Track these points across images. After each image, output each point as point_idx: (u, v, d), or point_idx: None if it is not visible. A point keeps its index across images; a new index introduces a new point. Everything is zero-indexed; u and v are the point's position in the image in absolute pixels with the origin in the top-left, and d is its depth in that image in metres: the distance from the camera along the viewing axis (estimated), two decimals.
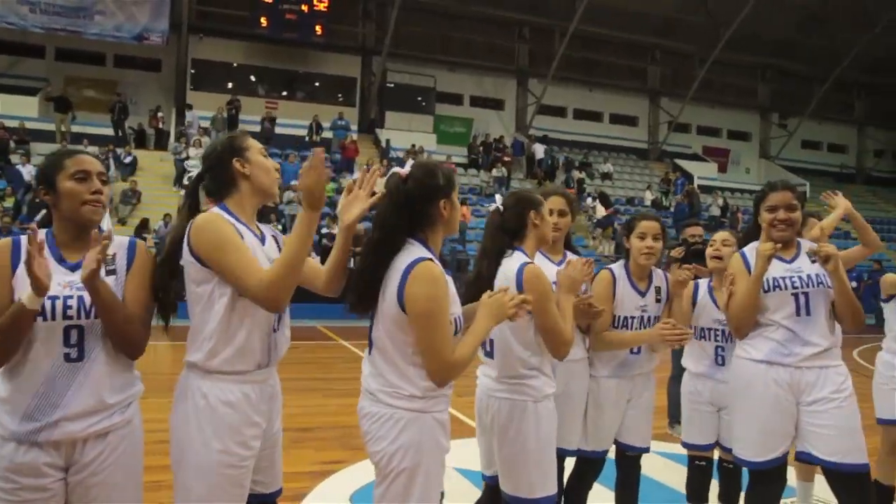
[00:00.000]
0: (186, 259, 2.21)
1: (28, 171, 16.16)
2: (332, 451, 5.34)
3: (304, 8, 21.71)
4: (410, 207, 2.27)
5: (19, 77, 20.96)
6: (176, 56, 22.22)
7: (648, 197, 24.06)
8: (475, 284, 2.65)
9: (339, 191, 19.50)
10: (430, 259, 2.22)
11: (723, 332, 3.36)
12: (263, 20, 21.53)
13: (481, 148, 23.80)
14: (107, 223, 10.87)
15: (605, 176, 25.45)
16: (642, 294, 3.32)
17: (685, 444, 3.55)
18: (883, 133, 32.46)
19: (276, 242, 2.45)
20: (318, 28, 21.95)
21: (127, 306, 2.16)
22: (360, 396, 2.35)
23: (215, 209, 2.30)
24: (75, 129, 19.66)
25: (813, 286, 2.98)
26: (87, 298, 2.10)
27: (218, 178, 2.36)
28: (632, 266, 3.34)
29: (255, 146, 2.40)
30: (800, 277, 2.99)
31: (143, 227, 15.62)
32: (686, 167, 27.62)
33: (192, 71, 22.50)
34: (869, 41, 26.13)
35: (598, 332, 3.22)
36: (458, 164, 22.99)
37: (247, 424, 2.24)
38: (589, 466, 3.35)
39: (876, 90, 32.00)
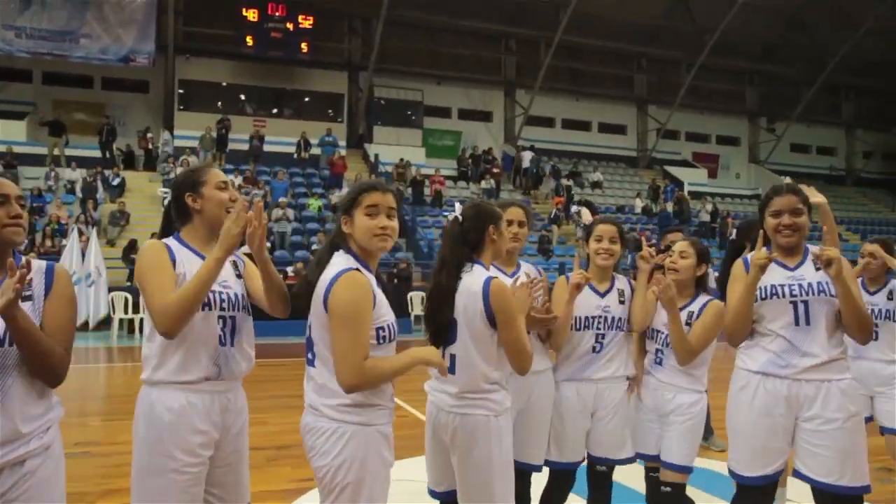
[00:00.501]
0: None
1: None
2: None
3: (290, 26, 21.83)
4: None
5: (6, 102, 21.05)
6: (163, 77, 22.31)
7: (638, 204, 24.12)
8: (436, 296, 2.64)
9: (327, 207, 19.55)
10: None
11: (667, 335, 3.28)
12: (249, 39, 21.66)
13: (470, 160, 23.85)
14: (74, 244, 10.72)
15: (595, 185, 25.52)
16: (601, 295, 3.32)
17: (638, 455, 3.37)
18: (871, 135, 32.59)
19: (235, 267, 2.56)
20: (303, 45, 22.07)
21: (46, 333, 2.13)
22: (303, 413, 2.37)
23: (169, 238, 2.50)
24: (66, 152, 19.75)
25: (814, 294, 2.83)
26: (1, 326, 2.04)
27: (175, 209, 2.55)
28: (591, 269, 3.35)
29: (213, 180, 2.51)
30: (800, 285, 2.86)
31: (132, 248, 15.60)
32: (676, 174, 27.71)
33: (181, 91, 22.59)
34: (854, 43, 26.29)
35: (556, 335, 3.23)
36: (448, 177, 23.07)
37: (190, 431, 2.33)
38: (556, 479, 3.31)
39: (863, 92, 32.19)
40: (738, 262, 3.06)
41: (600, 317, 3.28)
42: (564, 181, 23.77)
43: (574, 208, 21.90)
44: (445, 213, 20.24)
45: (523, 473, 3.13)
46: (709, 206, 23.78)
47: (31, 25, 19.60)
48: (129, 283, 15.10)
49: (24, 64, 20.91)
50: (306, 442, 2.33)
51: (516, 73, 26.75)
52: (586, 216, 21.74)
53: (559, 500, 3.34)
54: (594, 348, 3.28)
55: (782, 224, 2.89)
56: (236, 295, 2.51)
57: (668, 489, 3.24)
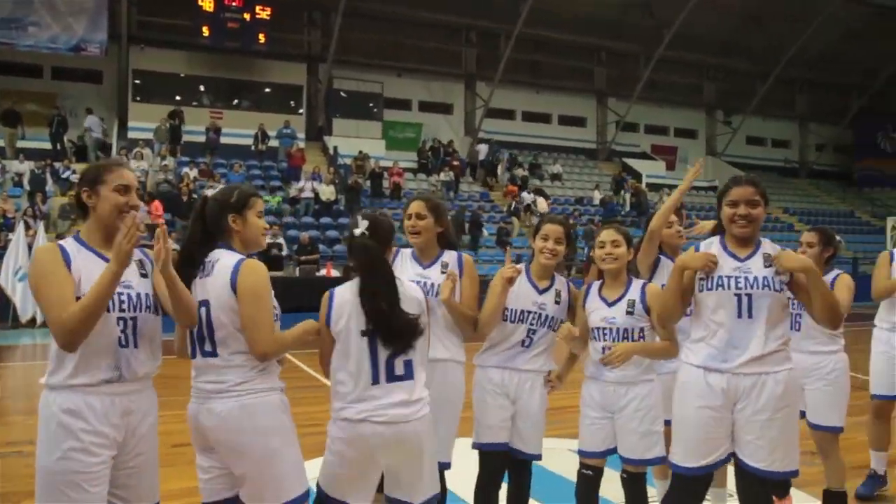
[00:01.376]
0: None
1: None
2: None
3: (247, 17, 21.53)
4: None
5: None
6: (117, 67, 21.86)
7: (597, 196, 24.36)
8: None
9: (286, 200, 19.41)
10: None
11: (612, 330, 3.28)
12: (205, 29, 21.30)
13: (430, 153, 23.83)
14: (20, 238, 10.55)
15: (555, 177, 25.70)
16: (540, 292, 3.37)
17: (579, 452, 3.40)
18: (824, 128, 33.27)
19: (141, 266, 2.54)
20: (261, 36, 21.78)
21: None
22: (199, 403, 2.56)
23: (67, 238, 2.51)
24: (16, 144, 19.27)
25: (758, 288, 2.87)
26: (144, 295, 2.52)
27: (77, 203, 2.55)
28: (533, 265, 3.42)
29: (113, 180, 2.47)
30: (745, 278, 2.88)
31: None
32: (635, 166, 28.03)
33: (136, 82, 22.17)
34: (807, 39, 26.84)
35: (485, 323, 3.31)
36: (408, 170, 23.03)
37: (88, 432, 2.34)
38: (484, 463, 3.35)
39: (816, 86, 32.91)
40: (691, 250, 3.07)
41: (535, 313, 3.34)
42: (520, 171, 23.90)
43: (527, 196, 22.11)
44: (403, 206, 20.21)
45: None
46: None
47: None
48: None
49: None
50: (228, 426, 2.49)
51: (477, 66, 26.77)
52: (542, 205, 22.11)
53: (492, 491, 3.34)
54: (524, 342, 3.34)
55: (738, 214, 2.91)
56: (139, 295, 2.48)
57: (625, 476, 3.33)
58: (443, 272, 3.27)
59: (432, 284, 3.24)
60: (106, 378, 2.39)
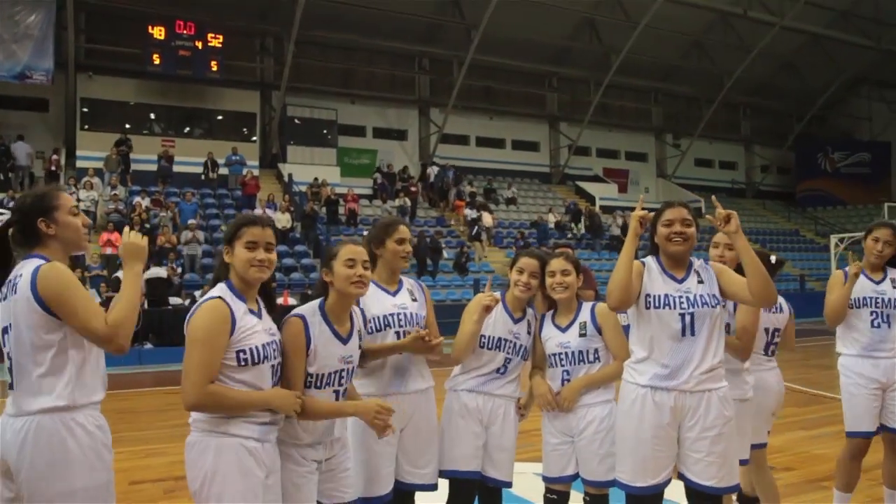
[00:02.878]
0: (31, 308, 2.31)
1: None
2: None
3: (199, 44, 21.34)
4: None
5: None
6: (64, 95, 21.43)
7: (552, 219, 24.66)
8: None
9: None
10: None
11: (567, 354, 3.33)
12: (156, 57, 21.02)
13: (385, 179, 23.86)
14: None
15: (510, 201, 25.97)
16: (515, 321, 3.42)
17: (544, 478, 3.42)
18: (767, 150, 34.52)
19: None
20: (213, 64, 21.58)
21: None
22: None
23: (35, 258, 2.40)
24: None
25: (699, 307, 2.98)
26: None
27: (25, 233, 2.46)
28: (508, 295, 3.47)
29: (65, 205, 2.49)
30: (687, 298, 2.99)
31: None
32: (588, 189, 28.53)
33: (84, 110, 21.74)
34: (749, 65, 27.89)
35: (460, 350, 3.34)
36: (363, 196, 23.02)
37: (108, 449, 2.42)
38: (455, 489, 3.34)
39: (758, 110, 34.20)
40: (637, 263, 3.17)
41: (510, 341, 3.39)
42: (468, 187, 24.09)
43: (470, 213, 22.38)
44: (361, 232, 20.21)
45: (406, 495, 3.19)
46: (619, 221, 24.50)
47: None
48: None
49: None
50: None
51: (430, 92, 27.03)
52: (487, 220, 22.37)
53: None
54: (499, 369, 3.39)
55: (674, 231, 3.01)
56: None
57: (588, 499, 3.32)
58: (413, 300, 3.27)
59: (411, 314, 3.21)
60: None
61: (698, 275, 3.06)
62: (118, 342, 2.33)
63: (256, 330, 2.51)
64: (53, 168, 19.72)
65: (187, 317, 2.47)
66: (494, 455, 3.36)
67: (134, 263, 2.49)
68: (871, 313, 4.06)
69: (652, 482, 2.96)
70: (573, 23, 26.54)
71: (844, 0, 27.88)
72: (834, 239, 25.67)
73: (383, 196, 23.12)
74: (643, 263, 3.11)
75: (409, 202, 22.71)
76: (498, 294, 3.41)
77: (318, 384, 2.71)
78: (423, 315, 3.24)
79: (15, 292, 2.34)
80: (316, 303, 2.81)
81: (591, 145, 30.27)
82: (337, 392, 2.77)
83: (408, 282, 3.35)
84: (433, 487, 3.24)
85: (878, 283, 4.14)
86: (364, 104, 25.82)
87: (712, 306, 2.99)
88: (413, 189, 23.58)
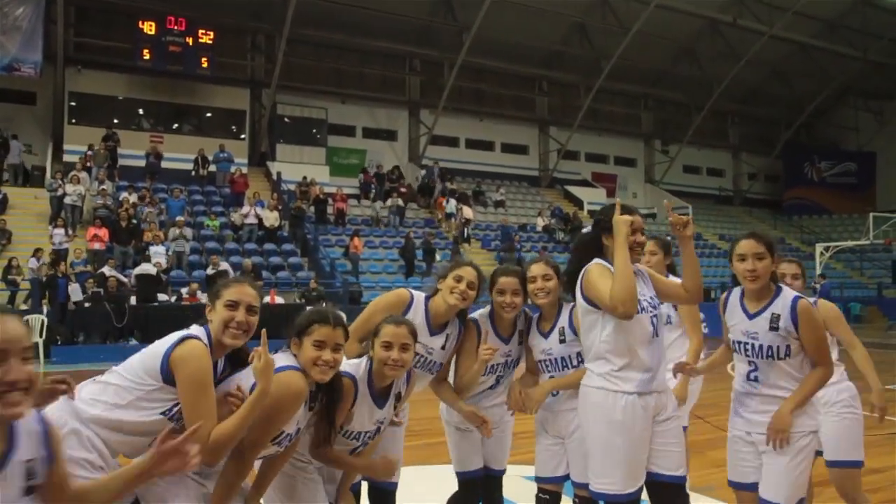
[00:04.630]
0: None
1: None
2: None
3: (189, 41, 21.27)
4: None
5: None
6: (52, 88, 21.27)
7: (540, 223, 24.72)
8: None
9: (226, 226, 19.14)
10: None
11: (551, 361, 3.32)
12: (146, 52, 20.92)
13: (374, 179, 23.85)
14: None
15: (499, 203, 26.01)
16: (506, 342, 3.42)
17: (536, 478, 3.43)
18: (755, 158, 34.77)
19: None
20: (204, 61, 21.51)
21: None
22: None
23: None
24: None
25: (657, 308, 3.09)
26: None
27: None
28: (496, 318, 3.41)
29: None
30: (649, 301, 3.06)
31: (10, 267, 14.77)
32: (576, 193, 28.63)
33: (72, 104, 21.58)
34: (737, 73, 28.09)
35: (463, 390, 3.36)
36: (351, 196, 23.01)
37: None
38: (463, 488, 3.47)
39: (746, 118, 34.44)
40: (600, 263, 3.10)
41: (503, 362, 3.41)
42: (449, 185, 24.12)
43: (451, 205, 22.45)
44: (348, 232, 20.20)
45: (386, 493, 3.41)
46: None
47: None
48: (9, 306, 14.24)
49: None
50: None
51: (421, 93, 27.04)
52: (467, 213, 22.41)
53: None
54: (492, 386, 3.45)
55: (637, 241, 3.07)
56: None
57: (577, 501, 3.32)
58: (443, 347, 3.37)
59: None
60: None
61: (642, 275, 3.16)
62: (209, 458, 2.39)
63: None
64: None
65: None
66: (492, 453, 3.51)
67: (263, 384, 2.42)
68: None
69: (637, 486, 2.99)
70: (564, 27, 26.64)
71: (832, 11, 28.10)
72: (819, 247, 25.90)
73: (370, 195, 23.15)
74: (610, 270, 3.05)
75: (402, 203, 22.71)
76: (496, 341, 3.35)
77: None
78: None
79: None
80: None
81: (580, 149, 30.36)
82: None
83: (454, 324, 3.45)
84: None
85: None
86: (354, 104, 25.79)
87: (659, 306, 3.14)
88: (403, 190, 23.58)
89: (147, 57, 20.94)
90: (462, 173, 26.79)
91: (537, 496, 3.42)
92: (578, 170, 30.57)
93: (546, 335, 3.35)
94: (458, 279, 3.27)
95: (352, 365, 2.89)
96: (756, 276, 3.01)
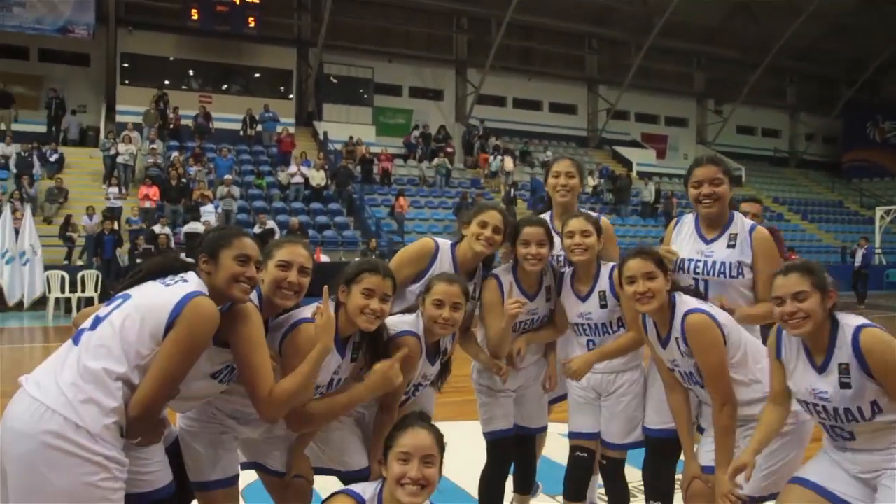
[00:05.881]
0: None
1: None
2: None
3: (236, 0, 21.31)
4: None
5: None
6: (105, 50, 21.62)
7: (590, 183, 24.32)
8: None
9: (273, 185, 19.36)
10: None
11: (590, 326, 3.21)
12: (194, 12, 21.03)
13: (421, 139, 23.76)
14: (7, 221, 10.42)
15: (545, 164, 25.62)
16: (532, 298, 3.24)
17: (571, 434, 3.30)
18: (813, 118, 33.47)
19: None
20: (251, 20, 21.54)
21: None
22: None
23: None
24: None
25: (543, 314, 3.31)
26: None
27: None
28: (520, 272, 3.22)
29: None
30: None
31: (67, 224, 15.22)
32: (625, 154, 28.05)
33: (125, 65, 21.93)
34: (797, 29, 26.88)
35: (496, 350, 3.20)
36: (397, 156, 22.98)
37: None
38: (493, 446, 3.35)
39: (805, 76, 33.06)
40: None
41: (528, 320, 3.27)
42: (493, 140, 23.87)
43: (493, 161, 22.27)
44: (394, 192, 20.22)
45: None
46: (651, 187, 23.97)
47: None
48: (66, 262, 14.75)
49: None
50: None
51: (468, 52, 26.68)
52: (508, 164, 22.18)
53: (498, 477, 3.35)
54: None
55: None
56: None
57: (605, 462, 3.26)
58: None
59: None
60: None
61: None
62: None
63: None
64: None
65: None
66: (528, 412, 3.41)
67: (325, 340, 2.45)
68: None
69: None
70: None
71: None
72: (880, 211, 24.99)
73: (416, 155, 23.10)
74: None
75: (448, 163, 22.61)
76: (520, 296, 3.16)
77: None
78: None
79: None
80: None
81: (629, 109, 29.68)
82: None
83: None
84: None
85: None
86: (401, 63, 25.60)
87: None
88: (450, 150, 23.46)
89: (195, 17, 21.06)
90: (509, 133, 26.44)
91: (572, 454, 3.30)
92: (628, 130, 29.93)
93: (584, 298, 3.19)
94: (483, 224, 3.11)
95: (410, 322, 2.83)
96: (650, 298, 2.77)
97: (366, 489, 2.46)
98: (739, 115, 30.94)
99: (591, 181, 24.41)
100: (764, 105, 32.33)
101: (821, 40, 29.56)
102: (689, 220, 3.24)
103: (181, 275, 2.35)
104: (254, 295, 2.49)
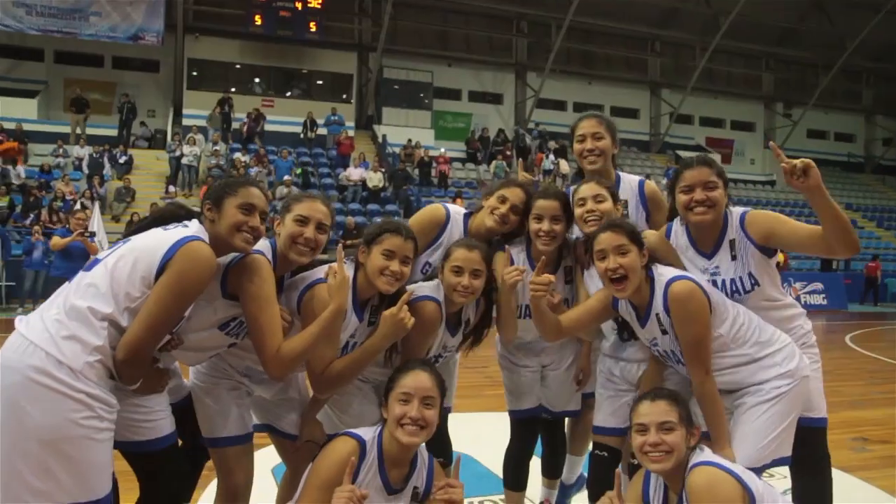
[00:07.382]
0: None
1: (17, 173, 16.71)
2: None
3: (298, 5, 21.71)
4: None
5: (19, 80, 21.17)
6: (173, 56, 22.35)
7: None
8: None
9: (331, 187, 19.58)
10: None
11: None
12: (257, 18, 21.59)
13: (479, 143, 23.71)
14: (97, 219, 10.70)
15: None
16: None
17: (594, 429, 3.01)
18: (891, 121, 31.96)
19: None
20: (312, 25, 21.95)
21: None
22: None
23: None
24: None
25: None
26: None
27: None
28: (533, 250, 2.98)
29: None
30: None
31: (132, 222, 15.72)
32: None
33: (193, 73, 22.62)
34: (874, 27, 25.72)
35: (504, 330, 3.05)
36: (457, 159, 22.99)
37: None
38: (518, 427, 3.25)
39: (883, 77, 31.51)
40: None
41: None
42: (553, 144, 23.61)
43: (547, 162, 21.93)
44: (451, 194, 20.19)
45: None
46: None
47: (40, 3, 19.66)
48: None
49: (35, 42, 21.04)
50: None
51: (527, 56, 26.53)
52: (564, 167, 21.80)
53: (520, 454, 3.23)
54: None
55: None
56: None
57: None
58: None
59: None
60: None
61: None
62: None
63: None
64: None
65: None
66: (554, 395, 3.24)
67: (339, 300, 2.39)
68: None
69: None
70: None
71: None
72: None
73: (477, 159, 23.09)
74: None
75: (507, 166, 22.49)
76: (522, 265, 2.93)
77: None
78: None
79: None
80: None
81: (693, 113, 28.95)
82: None
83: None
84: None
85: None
86: (460, 67, 25.64)
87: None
88: (508, 153, 23.34)
89: (259, 22, 21.59)
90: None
91: (593, 453, 3.02)
92: (692, 134, 29.20)
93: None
94: (502, 199, 2.94)
95: (432, 288, 2.71)
96: (624, 275, 2.54)
97: (366, 432, 2.43)
98: (810, 118, 29.82)
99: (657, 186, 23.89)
100: (837, 108, 31.06)
101: None
102: (678, 230, 2.82)
103: (184, 221, 2.31)
104: (268, 250, 2.43)
